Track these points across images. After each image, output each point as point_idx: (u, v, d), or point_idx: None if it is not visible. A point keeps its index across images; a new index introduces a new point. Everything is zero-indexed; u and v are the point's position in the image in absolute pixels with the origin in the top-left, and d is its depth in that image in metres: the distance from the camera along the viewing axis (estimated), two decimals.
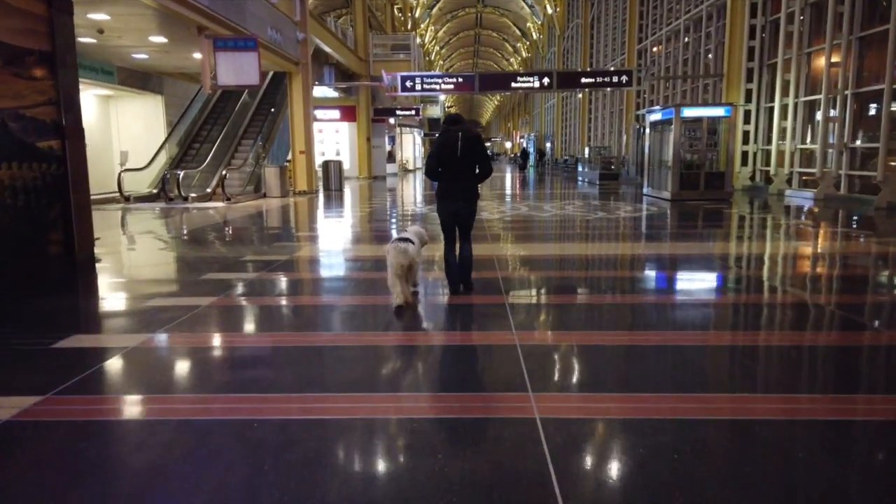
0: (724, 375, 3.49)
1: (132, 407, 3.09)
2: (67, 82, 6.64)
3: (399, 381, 3.44)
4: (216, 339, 4.25)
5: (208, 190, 16.15)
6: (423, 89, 18.88)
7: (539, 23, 54.77)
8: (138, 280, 6.31)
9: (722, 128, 14.72)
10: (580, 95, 40.21)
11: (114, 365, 3.64)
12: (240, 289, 5.57)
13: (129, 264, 7.30)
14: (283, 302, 5.30)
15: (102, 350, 3.92)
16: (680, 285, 5.97)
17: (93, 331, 4.57)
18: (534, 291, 5.68)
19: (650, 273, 6.61)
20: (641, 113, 18.11)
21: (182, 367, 3.72)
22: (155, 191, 16.14)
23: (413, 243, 4.85)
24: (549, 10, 48.42)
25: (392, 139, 34.66)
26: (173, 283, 6.02)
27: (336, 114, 29.08)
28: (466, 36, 71.59)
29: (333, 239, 9.39)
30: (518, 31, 64.11)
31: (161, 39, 12.94)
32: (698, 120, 14.75)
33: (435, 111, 45.87)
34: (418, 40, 46.54)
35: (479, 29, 69.22)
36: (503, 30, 67.20)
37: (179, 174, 15.32)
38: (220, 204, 14.98)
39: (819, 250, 7.97)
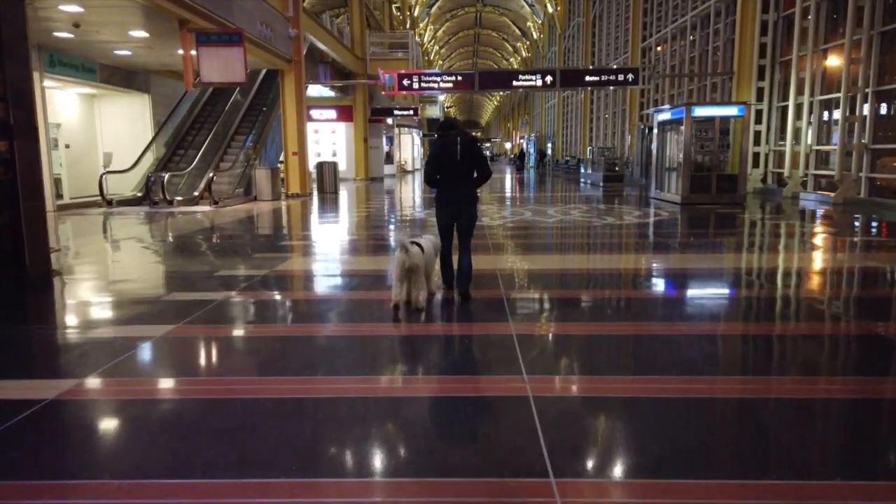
0: (785, 448, 2.75)
1: None
2: (17, 76, 5.89)
3: (383, 461, 2.69)
4: (155, 388, 3.49)
5: (195, 193, 15.40)
6: (420, 88, 18.14)
7: (539, 22, 54.05)
8: (93, 302, 5.55)
9: (735, 128, 14.00)
10: (581, 95, 39.48)
11: (13, 433, 2.78)
12: (203, 314, 4.82)
13: (89, 281, 6.55)
14: (248, 333, 4.54)
15: (4, 405, 3.05)
16: (713, 309, 5.22)
17: (4, 374, 3.61)
18: (546, 319, 4.92)
19: (675, 294, 5.86)
20: (649, 112, 17.39)
21: (104, 433, 2.96)
22: (140, 194, 15.39)
23: (422, 249, 4.71)
24: (550, 9, 47.70)
25: (390, 140, 33.89)
26: (130, 306, 5.28)
27: (332, 114, 28.33)
28: (466, 35, 70.88)
29: (323, 249, 8.64)
30: (518, 31, 63.40)
31: (142, 34, 12.19)
32: (709, 120, 14.02)
33: (434, 111, 45.15)
34: (417, 39, 45.89)
35: (478, 28, 68.51)
36: (503, 29, 66.49)
37: (164, 177, 14.56)
38: (206, 208, 14.24)
39: (866, 263, 7.23)
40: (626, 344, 4.13)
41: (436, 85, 18.16)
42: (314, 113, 28.21)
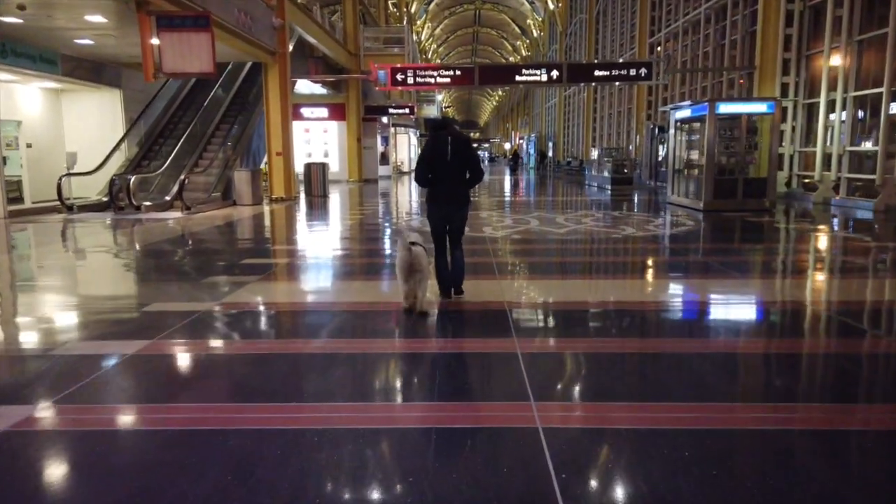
0: None
1: None
2: None
3: None
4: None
5: (167, 198, 14.01)
6: (416, 83, 16.73)
7: (540, 19, 52.72)
8: None
9: (762, 127, 12.64)
10: (584, 94, 38.13)
11: None
12: (102, 375, 3.43)
13: None
14: (142, 419, 3.15)
15: None
16: (812, 374, 3.84)
17: None
18: (574, 382, 3.54)
19: (738, 341, 4.48)
20: (665, 109, 16.01)
21: None
22: (105, 199, 13.97)
23: (423, 248, 4.69)
24: (551, 6, 46.36)
25: (385, 140, 32.45)
26: (10, 360, 3.89)
27: (324, 112, 26.96)
28: (465, 34, 69.59)
29: (298, 269, 7.24)
30: (517, 29, 62.09)
31: (99, 19, 10.77)
32: (733, 118, 12.64)
33: (432, 110, 43.78)
34: (414, 37, 44.50)
35: (477, 26, 67.24)
36: (502, 27, 65.20)
37: (130, 179, 13.14)
38: (178, 214, 12.85)
39: None
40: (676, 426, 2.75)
41: (432, 80, 16.76)
42: (305, 111, 26.88)
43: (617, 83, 22.07)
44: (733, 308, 5.23)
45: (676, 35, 23.15)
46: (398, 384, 3.46)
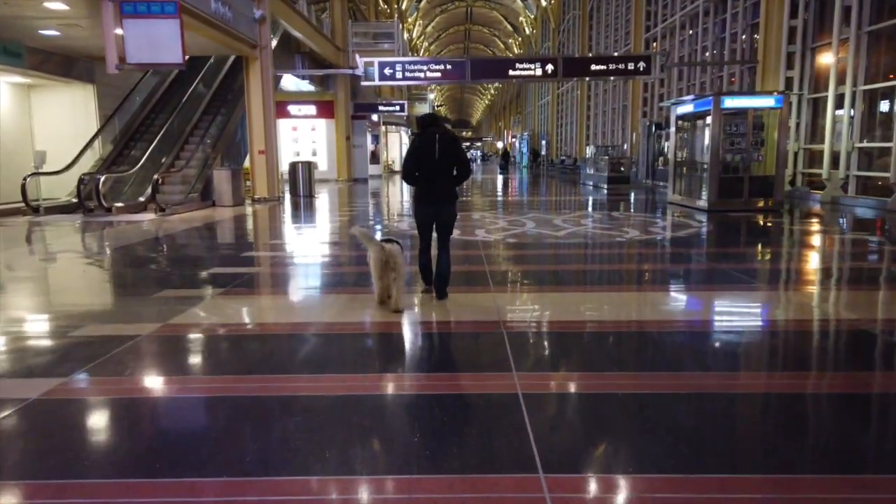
0: None
1: None
2: None
3: None
4: None
5: (141, 199, 13.21)
6: (404, 77, 15.96)
7: (532, 16, 52.03)
8: None
9: (769, 122, 11.98)
10: (578, 91, 37.50)
11: None
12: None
13: None
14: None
15: None
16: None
17: None
18: (594, 440, 2.83)
19: (805, 378, 3.78)
20: (666, 105, 15.34)
21: None
22: (75, 200, 13.14)
23: (400, 244, 4.71)
24: (543, 2, 45.70)
25: (376, 138, 31.65)
26: None
27: (312, 109, 26.14)
28: (456, 31, 68.87)
29: (269, 278, 6.49)
30: (510, 27, 61.40)
31: (60, 6, 9.97)
32: (738, 113, 11.98)
33: (423, 108, 42.95)
34: (406, 35, 43.66)
35: (469, 24, 66.52)
36: (494, 25, 64.49)
37: (100, 179, 12.32)
38: (151, 216, 12.06)
39: None
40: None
41: (422, 74, 15.98)
42: (292, 108, 26.07)
43: (612, 78, 21.40)
44: (779, 331, 4.53)
45: (673, 30, 22.54)
46: (371, 447, 2.71)
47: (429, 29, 61.93)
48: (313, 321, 4.67)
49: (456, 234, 9.08)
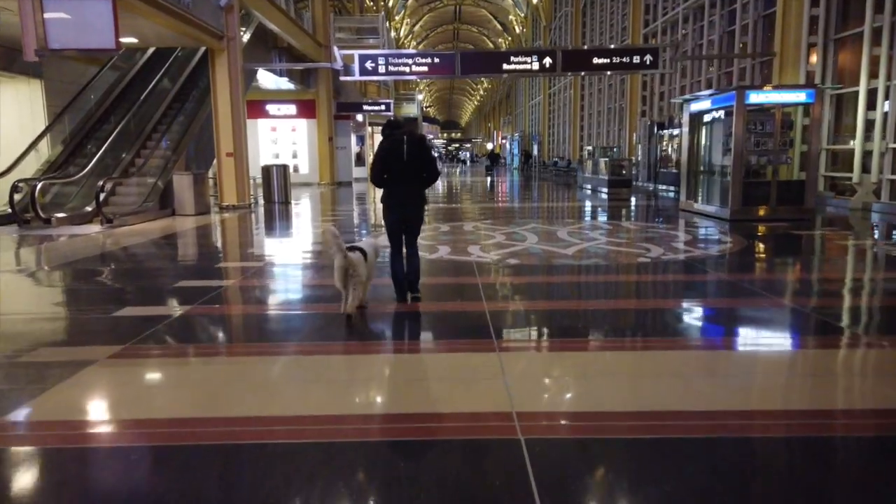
0: None
1: None
2: None
3: None
4: None
5: (88, 208, 11.62)
6: (388, 72, 14.47)
7: (522, 15, 50.70)
8: None
9: (798, 120, 10.65)
10: (571, 91, 36.19)
11: None
12: None
13: None
14: None
15: None
16: None
17: None
18: None
19: None
20: (678, 101, 13.96)
21: None
22: (9, 210, 11.53)
23: (365, 254, 4.70)
24: (534, 0, 44.38)
25: (361, 139, 30.10)
26: None
27: (292, 109, 24.59)
28: (444, 31, 67.50)
29: (198, 324, 4.97)
30: (499, 26, 60.10)
31: None
32: (762, 110, 10.64)
33: (412, 109, 41.48)
34: (393, 33, 42.16)
35: (457, 24, 65.16)
36: (483, 24, 63.21)
37: (37, 186, 10.74)
38: (96, 228, 10.50)
39: None
40: None
41: (407, 69, 14.49)
42: (270, 108, 24.53)
43: (609, 73, 20.01)
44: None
45: (675, 24, 21.22)
46: None
47: (416, 28, 60.50)
48: (282, 411, 3.18)
49: (445, 252, 7.67)
